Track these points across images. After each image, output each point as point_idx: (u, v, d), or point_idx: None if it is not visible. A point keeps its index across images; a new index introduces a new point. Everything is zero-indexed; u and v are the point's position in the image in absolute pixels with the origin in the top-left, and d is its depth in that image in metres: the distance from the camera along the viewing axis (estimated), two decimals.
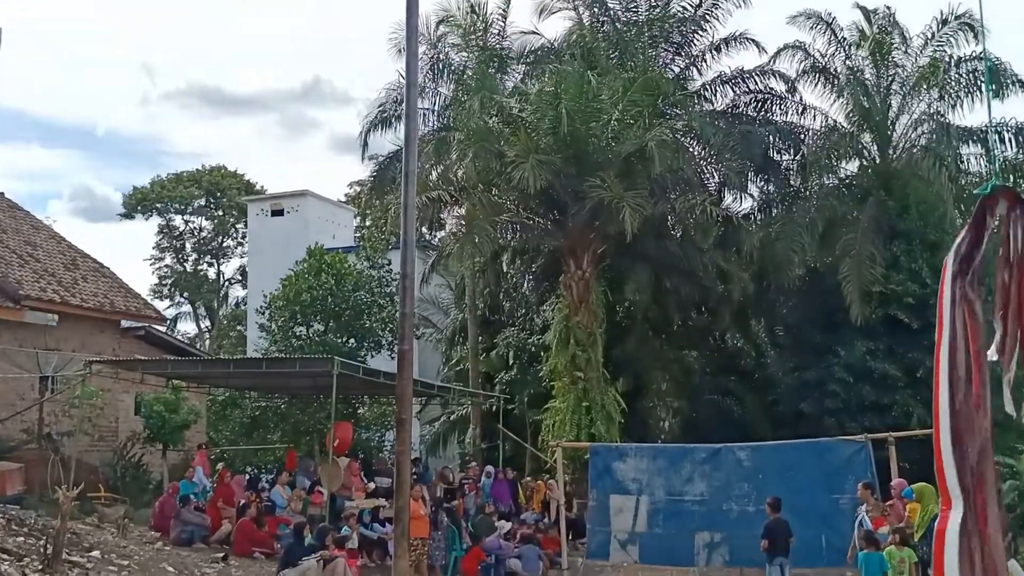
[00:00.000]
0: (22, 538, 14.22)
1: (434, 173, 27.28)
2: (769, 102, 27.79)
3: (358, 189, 46.71)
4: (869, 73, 26.00)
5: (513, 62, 27.83)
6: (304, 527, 16.17)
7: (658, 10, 27.36)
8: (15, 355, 21.24)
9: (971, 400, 2.89)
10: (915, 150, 25.07)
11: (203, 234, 56.57)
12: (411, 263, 9.60)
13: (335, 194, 50.05)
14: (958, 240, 3.02)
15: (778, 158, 28.10)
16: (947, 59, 25.03)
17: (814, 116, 26.98)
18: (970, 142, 24.50)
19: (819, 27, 26.21)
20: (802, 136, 27.22)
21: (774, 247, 24.78)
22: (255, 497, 19.17)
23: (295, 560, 15.02)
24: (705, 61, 27.74)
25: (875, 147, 26.12)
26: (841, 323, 24.54)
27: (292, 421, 26.65)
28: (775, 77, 27.51)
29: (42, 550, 13.33)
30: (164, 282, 56.63)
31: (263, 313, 28.25)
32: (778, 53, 26.95)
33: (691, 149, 26.34)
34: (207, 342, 53.12)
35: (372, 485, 20.22)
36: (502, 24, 27.66)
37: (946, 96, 24.96)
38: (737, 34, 27.20)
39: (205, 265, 57.57)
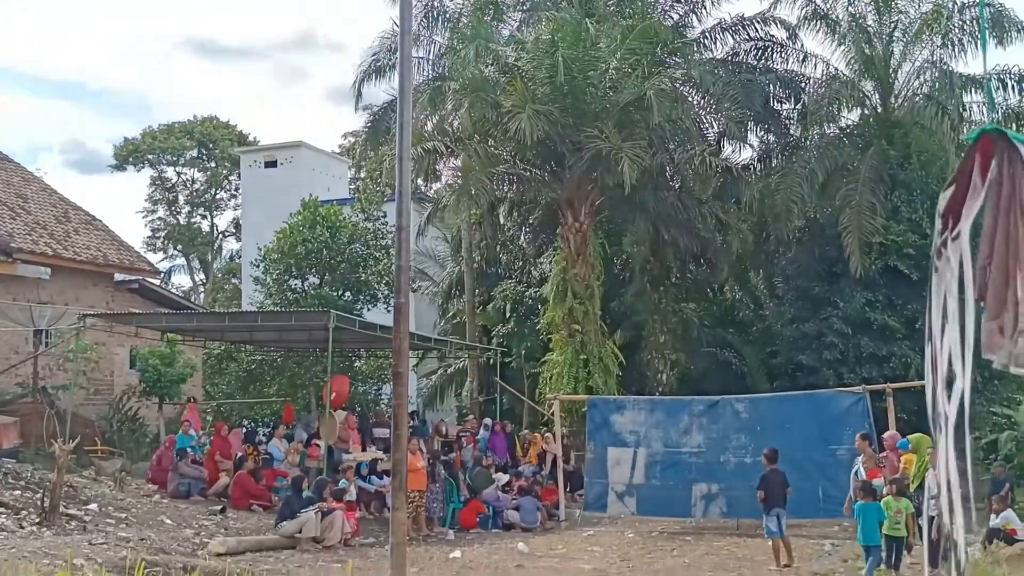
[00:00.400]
0: (19, 492, 14.20)
1: (429, 124, 26.98)
2: (770, 50, 27.41)
3: (352, 140, 46.35)
4: (871, 19, 25.60)
5: (509, 9, 27.38)
6: (302, 480, 16.19)
7: None
8: (8, 309, 21.09)
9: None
10: (917, 98, 24.77)
11: (196, 186, 56.25)
12: (407, 215, 9.41)
13: (329, 145, 49.76)
14: (945, 191, 2.86)
15: (778, 107, 27.81)
16: (950, 5, 24.63)
17: (815, 64, 26.64)
18: (973, 90, 24.21)
19: None
20: (803, 85, 26.91)
21: (774, 198, 24.58)
22: (252, 450, 19.16)
23: (293, 512, 15.04)
24: (705, 8, 27.30)
25: (877, 96, 25.81)
26: (840, 274, 24.45)
27: (288, 375, 26.63)
28: (776, 24, 27.12)
29: (39, 503, 13.32)
30: (157, 235, 56.45)
31: (258, 266, 28.09)
32: None
33: (690, 98, 26.01)
34: (202, 295, 53.00)
35: (374, 449, 20.14)
36: None
37: (949, 43, 24.60)
38: None
39: (198, 217, 57.32)
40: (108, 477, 17.43)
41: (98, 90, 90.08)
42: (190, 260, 57.83)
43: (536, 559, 14.18)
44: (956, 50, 24.57)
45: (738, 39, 27.64)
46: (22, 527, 12.59)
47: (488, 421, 23.55)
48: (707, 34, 27.44)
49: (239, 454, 18.96)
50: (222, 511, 16.51)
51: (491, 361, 27.22)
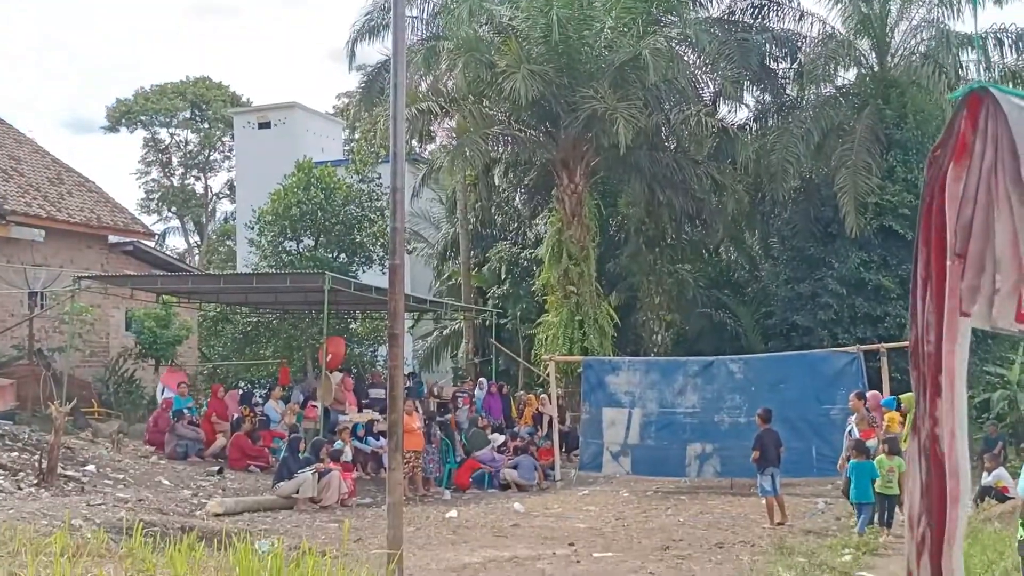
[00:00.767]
0: (16, 453, 14.25)
1: (423, 84, 26.80)
2: (766, 8, 27.16)
3: (346, 101, 46.03)
4: None
5: None
6: (299, 441, 16.26)
7: None
8: (3, 271, 21.07)
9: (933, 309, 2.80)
10: (914, 57, 24.60)
11: (189, 147, 55.97)
12: (401, 176, 9.37)
13: (323, 106, 49.44)
14: (935, 147, 2.87)
15: (774, 67, 27.62)
16: None
17: (811, 23, 26.39)
18: (970, 49, 24.03)
19: None
20: (799, 44, 26.69)
21: (769, 158, 24.49)
22: (249, 412, 19.23)
23: (291, 473, 15.13)
24: None
25: (873, 55, 25.63)
26: (836, 234, 24.43)
27: (284, 336, 26.67)
28: None
29: (37, 465, 13.37)
30: (151, 197, 56.27)
31: (252, 228, 28.02)
32: None
33: (686, 58, 25.80)
34: (196, 257, 52.94)
35: (370, 411, 20.20)
36: None
37: (946, 2, 24.39)
38: None
39: (192, 179, 57.14)
40: (105, 439, 17.50)
41: (89, 47, 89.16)
42: (184, 222, 57.68)
43: (532, 518, 14.30)
44: (953, 8, 24.35)
45: None
46: (20, 488, 12.65)
47: (483, 381, 23.63)
48: None
49: (236, 415, 19.03)
50: (219, 472, 16.60)
51: (486, 323, 27.27)
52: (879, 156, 23.67)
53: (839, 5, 25.29)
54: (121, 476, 14.85)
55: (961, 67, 23.84)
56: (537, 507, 15.44)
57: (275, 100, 42.17)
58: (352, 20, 38.81)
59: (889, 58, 25.49)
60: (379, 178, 28.42)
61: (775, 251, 28.78)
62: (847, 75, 26.30)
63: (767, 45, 26.95)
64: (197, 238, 57.69)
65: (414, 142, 29.16)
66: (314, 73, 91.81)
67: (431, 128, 27.37)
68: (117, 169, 75.77)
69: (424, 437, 17.20)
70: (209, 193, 57.22)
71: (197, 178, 56.97)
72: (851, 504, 12.68)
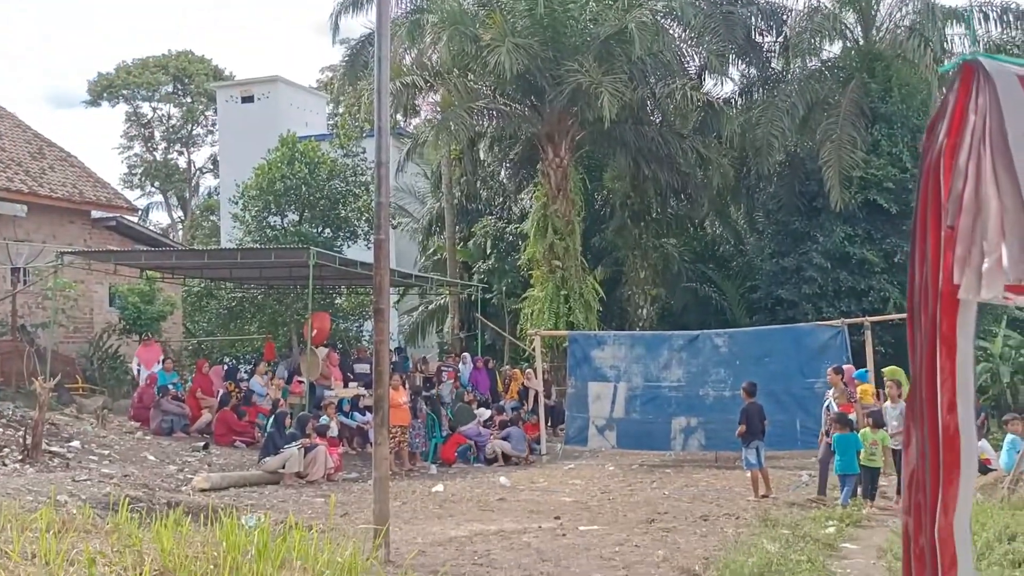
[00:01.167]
0: (0, 429, 14.20)
1: (408, 58, 26.62)
2: None
3: (330, 75, 45.70)
4: None
5: None
6: (285, 416, 16.25)
7: None
8: None
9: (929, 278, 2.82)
10: (899, 31, 24.59)
11: (172, 122, 55.52)
12: (386, 151, 9.34)
13: (307, 80, 49.13)
14: (931, 121, 2.87)
15: (760, 40, 27.53)
16: None
17: None
18: (954, 22, 24.03)
19: None
20: (785, 17, 26.61)
21: (754, 132, 24.48)
22: (234, 387, 19.20)
23: (277, 448, 15.13)
24: None
25: (859, 28, 25.60)
26: (820, 208, 24.50)
27: (269, 312, 26.61)
28: None
29: (21, 441, 13.33)
30: (134, 171, 55.85)
31: (236, 203, 27.88)
32: None
33: (671, 31, 25.73)
34: (180, 232, 52.65)
35: (356, 385, 20.21)
36: None
37: None
38: None
39: (175, 154, 56.68)
40: (90, 415, 17.46)
41: (68, 20, 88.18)
42: (167, 197, 57.31)
43: (518, 492, 14.35)
44: None
45: None
46: (5, 464, 12.63)
47: (467, 356, 23.66)
48: None
49: (221, 391, 19.00)
50: (205, 447, 16.60)
51: (472, 297, 27.27)
52: (864, 130, 23.70)
53: None
54: (106, 452, 14.83)
55: (946, 40, 23.86)
56: (523, 481, 15.49)
57: (258, 74, 41.90)
58: None
59: (874, 31, 25.48)
60: (363, 152, 28.29)
61: (760, 225, 28.84)
62: (832, 48, 26.32)
63: (752, 18, 26.87)
64: (180, 213, 57.35)
65: (399, 116, 29.03)
66: (297, 47, 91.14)
67: (416, 102, 27.24)
68: (99, 144, 75.25)
69: (410, 412, 17.23)
70: (192, 168, 56.89)
71: (180, 153, 56.60)
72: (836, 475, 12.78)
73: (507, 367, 24.75)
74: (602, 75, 21.79)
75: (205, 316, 28.24)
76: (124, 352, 23.07)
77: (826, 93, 24.97)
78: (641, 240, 28.16)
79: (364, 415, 18.17)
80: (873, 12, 25.32)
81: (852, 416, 13.17)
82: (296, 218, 27.04)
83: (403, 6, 26.15)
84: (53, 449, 13.84)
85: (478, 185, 31.51)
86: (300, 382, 19.71)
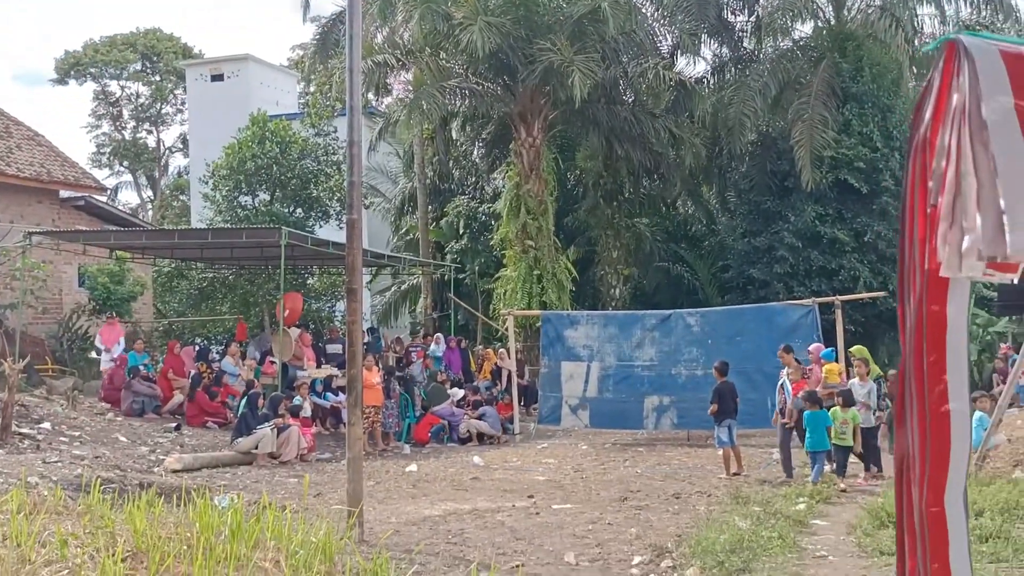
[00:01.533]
0: None
1: (380, 36, 26.45)
2: None
3: (301, 53, 45.31)
4: None
5: None
6: (258, 397, 16.21)
7: None
8: None
9: (916, 257, 2.85)
10: (871, 10, 24.68)
11: (140, 100, 54.88)
12: (358, 130, 9.29)
13: (277, 59, 48.68)
14: (918, 100, 2.90)
15: (732, 19, 27.59)
16: None
17: None
18: (925, 2, 24.16)
19: None
20: None
21: (727, 112, 24.55)
22: (205, 368, 19.09)
23: (249, 428, 15.09)
24: None
25: (830, 8, 25.69)
26: (792, 188, 24.63)
27: (241, 292, 26.44)
28: None
29: None
30: (102, 151, 55.21)
31: (206, 182, 27.63)
32: None
33: (644, 10, 25.75)
34: (150, 212, 52.17)
35: (328, 366, 20.16)
36: None
37: None
38: None
39: (144, 133, 56.08)
40: (60, 396, 17.31)
41: (40, 1, 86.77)
42: (137, 176, 56.72)
43: (491, 471, 14.39)
44: None
45: None
46: None
47: (440, 336, 23.62)
48: None
49: (192, 372, 18.90)
50: (177, 428, 16.51)
51: (445, 277, 27.22)
52: (835, 110, 23.83)
53: None
54: (77, 433, 14.71)
55: (917, 20, 23.99)
56: (496, 460, 15.53)
57: (228, 52, 41.50)
58: None
59: (846, 11, 25.59)
60: (335, 132, 28.10)
61: (732, 205, 28.97)
62: (804, 28, 26.44)
63: None
64: (150, 192, 56.80)
65: (370, 95, 28.86)
66: (268, 25, 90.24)
67: (387, 81, 27.09)
68: (67, 123, 74.18)
69: (383, 392, 17.22)
70: (161, 147, 56.27)
71: (149, 131, 55.99)
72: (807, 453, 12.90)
73: (480, 347, 24.76)
74: (574, 54, 21.75)
75: (176, 296, 28.03)
76: (94, 333, 22.86)
77: (798, 73, 25.06)
78: (614, 220, 28.21)
79: (337, 395, 18.14)
80: None
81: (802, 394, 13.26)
82: (267, 198, 26.86)
83: None
84: (23, 431, 13.72)
85: (450, 165, 31.42)
86: (272, 363, 19.63)
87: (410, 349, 22.68)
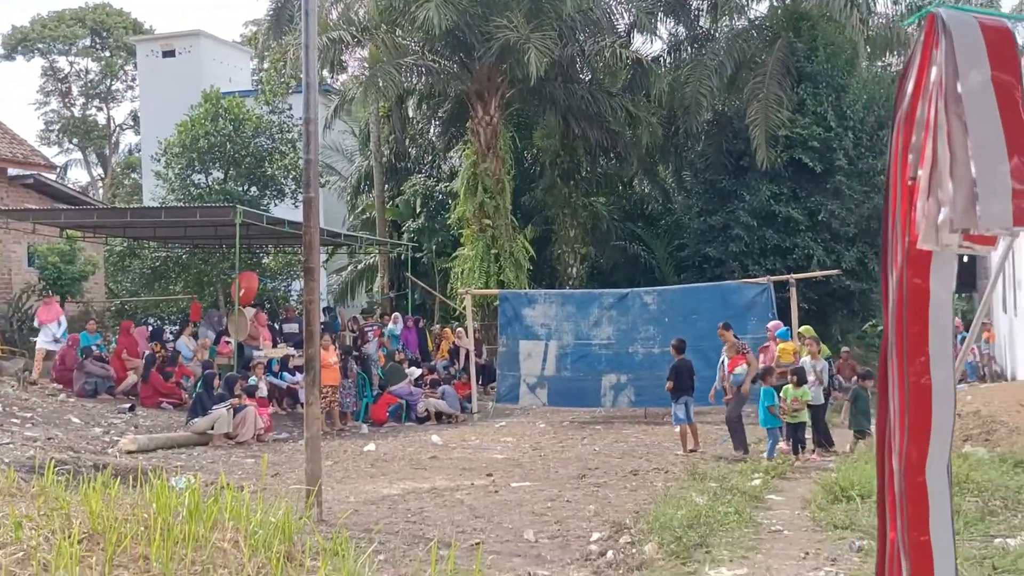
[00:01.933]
0: None
1: (335, 12, 26.18)
2: None
3: (254, 29, 44.70)
4: None
5: None
6: (213, 377, 16.06)
7: None
8: None
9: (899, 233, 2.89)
10: None
11: (90, 76, 53.86)
12: (314, 108, 9.20)
13: (230, 35, 48.01)
14: (901, 73, 2.92)
15: None
16: None
17: None
18: None
19: None
20: None
21: (683, 91, 24.60)
22: (159, 348, 18.86)
23: (205, 409, 14.95)
24: None
25: None
26: (747, 167, 24.79)
27: (195, 271, 26.15)
28: None
29: None
30: (51, 128, 54.19)
31: (159, 160, 27.25)
32: None
33: None
34: (100, 190, 51.31)
35: (284, 346, 20.04)
36: None
37: None
38: None
39: (94, 110, 55.06)
40: (10, 377, 17.04)
41: None
42: (87, 154, 55.76)
43: (450, 450, 14.40)
44: None
45: None
46: None
47: (398, 315, 23.55)
48: None
49: (146, 352, 18.67)
50: (131, 409, 16.32)
51: (402, 256, 27.12)
52: (790, 89, 23.99)
53: None
54: (28, 415, 14.49)
55: (871, 0, 24.16)
56: (455, 439, 15.55)
57: (179, 28, 40.85)
58: None
59: None
60: (290, 109, 27.80)
61: (688, 184, 29.11)
62: (760, 8, 26.57)
63: None
64: (100, 171, 55.85)
65: (325, 72, 28.59)
66: (220, 0, 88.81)
67: (343, 58, 26.81)
68: (15, 99, 72.61)
69: (340, 372, 17.16)
70: (112, 124, 55.34)
71: (99, 108, 54.97)
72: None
73: (437, 326, 24.73)
74: (531, 32, 21.67)
75: (128, 276, 27.65)
76: None
77: (753, 52, 25.18)
78: (571, 199, 28.25)
79: (294, 375, 18.04)
80: None
81: (741, 369, 13.41)
82: (221, 176, 26.55)
83: None
84: None
85: (407, 143, 31.25)
86: (228, 343, 19.46)
87: (367, 329, 22.60)
